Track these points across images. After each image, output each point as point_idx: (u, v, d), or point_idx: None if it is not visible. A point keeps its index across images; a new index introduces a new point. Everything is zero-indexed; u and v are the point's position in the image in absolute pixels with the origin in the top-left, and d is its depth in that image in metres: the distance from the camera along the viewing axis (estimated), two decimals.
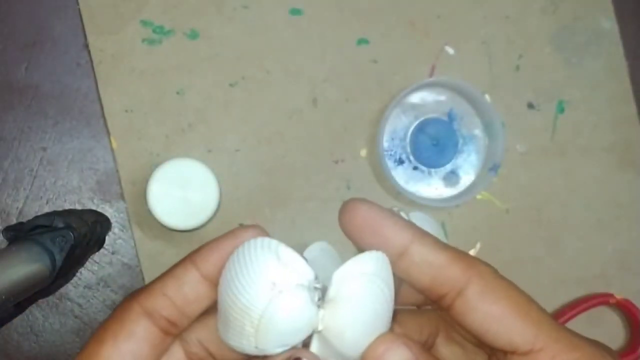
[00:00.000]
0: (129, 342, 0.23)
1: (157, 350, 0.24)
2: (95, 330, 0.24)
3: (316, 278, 0.23)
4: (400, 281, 0.25)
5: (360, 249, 0.25)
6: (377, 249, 0.24)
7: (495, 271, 0.24)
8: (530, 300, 0.24)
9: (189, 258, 0.24)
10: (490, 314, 0.23)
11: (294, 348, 0.23)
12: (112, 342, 0.23)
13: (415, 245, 0.23)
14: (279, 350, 0.23)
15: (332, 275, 0.23)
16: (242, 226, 0.25)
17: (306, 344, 0.24)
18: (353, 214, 0.24)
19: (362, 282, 0.23)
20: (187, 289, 0.24)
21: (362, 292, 0.23)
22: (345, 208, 0.25)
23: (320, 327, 0.23)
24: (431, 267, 0.23)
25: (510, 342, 0.23)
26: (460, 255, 0.24)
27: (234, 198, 0.50)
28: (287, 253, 0.23)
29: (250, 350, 0.23)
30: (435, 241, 0.24)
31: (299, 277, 0.23)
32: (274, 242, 0.23)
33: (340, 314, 0.23)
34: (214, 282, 0.24)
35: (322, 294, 0.23)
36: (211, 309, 0.25)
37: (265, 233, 0.25)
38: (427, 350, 0.26)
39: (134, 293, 0.24)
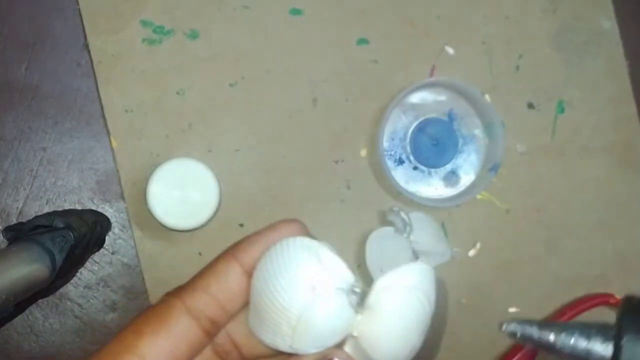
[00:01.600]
0: (167, 339, 0.23)
1: (194, 350, 0.23)
2: (131, 323, 0.23)
3: (356, 281, 0.23)
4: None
5: None
6: None
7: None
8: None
9: (230, 252, 0.24)
10: None
11: (327, 349, 0.23)
12: (152, 337, 0.22)
13: None
14: (313, 351, 0.23)
15: (374, 284, 0.23)
16: (284, 220, 0.24)
17: (339, 345, 0.24)
18: None
19: (402, 293, 0.23)
20: (230, 285, 0.23)
21: (400, 304, 0.23)
22: None
23: (355, 333, 0.23)
24: None
25: None
26: None
27: (234, 198, 0.50)
28: (328, 255, 0.23)
29: (284, 348, 0.23)
30: None
31: (339, 281, 0.23)
32: (314, 243, 0.23)
33: (376, 323, 0.23)
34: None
35: (361, 298, 0.23)
36: None
37: (306, 229, 0.24)
38: None
39: (176, 290, 0.24)
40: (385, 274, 0.23)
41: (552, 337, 0.26)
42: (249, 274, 0.24)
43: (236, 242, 0.24)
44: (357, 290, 0.23)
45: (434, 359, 0.51)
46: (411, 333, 0.23)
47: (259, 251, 0.24)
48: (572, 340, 0.26)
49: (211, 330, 0.24)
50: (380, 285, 0.23)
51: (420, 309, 0.23)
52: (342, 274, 0.23)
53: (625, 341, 0.25)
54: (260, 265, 0.24)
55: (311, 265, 0.23)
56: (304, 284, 0.23)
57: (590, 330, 0.26)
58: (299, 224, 0.24)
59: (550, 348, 0.27)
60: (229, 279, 0.23)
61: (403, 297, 0.23)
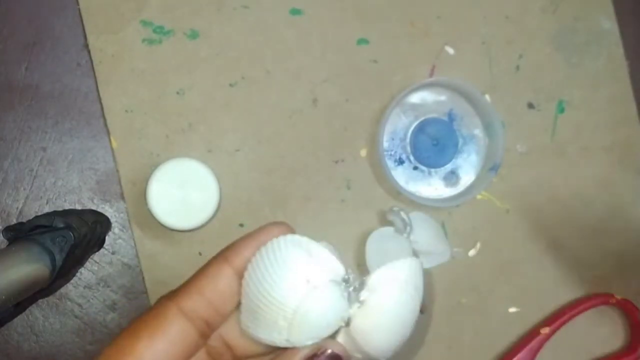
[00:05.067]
0: (164, 342, 0.23)
1: (189, 351, 0.24)
2: (128, 326, 0.24)
3: (347, 273, 0.24)
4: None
5: None
6: None
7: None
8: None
9: (222, 255, 0.24)
10: None
11: (322, 340, 0.24)
12: (148, 340, 0.23)
13: None
14: (309, 342, 0.24)
15: (368, 278, 0.24)
16: (272, 222, 0.25)
17: (332, 336, 0.25)
18: None
19: (395, 288, 0.24)
20: (223, 286, 0.24)
21: (393, 298, 0.24)
22: None
23: (348, 325, 0.24)
24: None
25: None
26: None
27: (234, 198, 0.50)
28: (318, 250, 0.24)
29: (281, 342, 0.24)
30: None
31: (332, 273, 0.24)
32: (304, 239, 0.24)
33: (369, 316, 0.24)
34: None
35: (354, 290, 0.24)
36: None
37: (292, 230, 0.25)
38: None
39: (170, 293, 0.24)
40: (379, 268, 0.24)
41: None
42: (240, 275, 0.24)
43: (228, 245, 0.25)
44: (350, 281, 0.24)
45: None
46: (402, 325, 0.24)
47: (249, 253, 0.24)
48: None
49: (205, 332, 0.24)
50: (374, 279, 0.24)
51: (410, 302, 0.24)
52: (333, 266, 0.24)
53: None
54: (252, 264, 0.24)
55: (303, 260, 0.23)
56: (298, 277, 0.23)
57: None
58: (287, 226, 0.25)
59: None
60: (221, 281, 0.24)
61: (396, 291, 0.24)
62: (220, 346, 0.26)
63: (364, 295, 0.24)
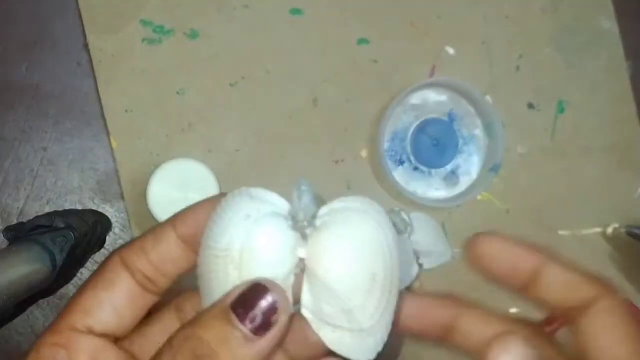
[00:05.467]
0: (107, 292, 0.24)
1: (137, 304, 0.24)
2: (80, 286, 0.24)
3: (293, 209, 0.22)
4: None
5: (491, 281, 0.26)
6: (510, 277, 0.25)
7: (625, 302, 0.24)
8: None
9: (170, 220, 0.25)
10: (609, 352, 0.22)
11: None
12: (92, 292, 0.24)
13: (548, 267, 0.24)
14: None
15: (319, 210, 0.22)
16: (221, 193, 0.25)
17: (290, 279, 0.22)
18: (483, 251, 0.26)
19: (351, 214, 0.23)
20: (163, 248, 0.24)
21: (350, 222, 0.22)
22: (473, 245, 0.26)
23: (303, 255, 0.22)
24: (565, 287, 0.24)
25: None
26: (592, 278, 0.24)
27: None
28: (259, 191, 0.23)
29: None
30: (566, 262, 0.24)
31: (274, 207, 0.22)
32: (244, 188, 0.23)
33: (325, 241, 0.21)
34: (190, 245, 0.24)
35: (307, 223, 0.22)
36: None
37: None
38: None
39: (119, 247, 0.25)
40: (331, 202, 0.23)
41: None
42: (185, 241, 0.24)
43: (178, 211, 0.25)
44: (300, 218, 0.22)
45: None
46: (367, 257, 0.22)
47: (194, 219, 0.24)
48: None
49: (149, 287, 0.24)
50: (327, 209, 0.23)
51: (373, 233, 0.22)
52: (275, 202, 0.22)
53: None
54: (202, 237, 0.23)
55: (244, 203, 0.22)
56: (238, 218, 0.22)
57: None
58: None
59: None
60: (163, 242, 0.24)
61: (352, 217, 0.22)
62: (192, 313, 0.26)
63: (318, 223, 0.22)
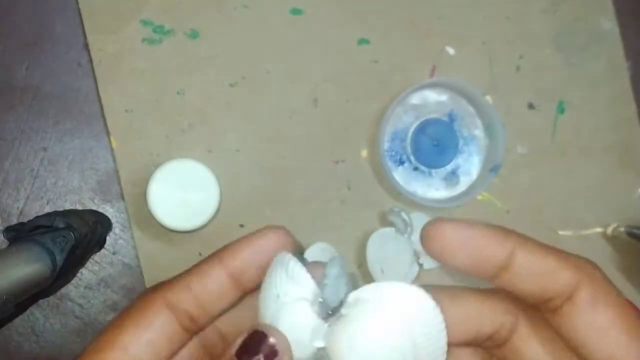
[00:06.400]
0: (147, 332, 0.23)
1: (173, 344, 0.24)
2: (115, 318, 0.24)
3: (320, 292, 0.23)
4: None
5: (453, 271, 0.24)
6: (476, 267, 0.23)
7: (603, 274, 0.23)
8: (638, 312, 0.22)
9: (216, 254, 0.24)
10: (597, 324, 0.21)
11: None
12: (133, 330, 0.23)
13: (518, 255, 0.22)
14: None
15: (347, 297, 0.23)
16: (269, 226, 0.25)
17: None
18: (444, 238, 0.23)
19: (375, 310, 0.22)
20: (211, 285, 0.24)
21: (371, 318, 0.22)
22: (431, 232, 0.23)
23: (322, 344, 0.22)
24: (538, 276, 0.22)
25: (611, 357, 0.21)
26: (566, 257, 0.22)
27: (234, 198, 0.50)
28: (295, 268, 0.23)
29: None
30: (538, 246, 0.22)
31: (302, 291, 0.23)
32: (287, 257, 0.23)
33: (342, 332, 0.22)
34: (239, 281, 0.24)
35: (332, 310, 0.23)
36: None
37: (292, 236, 0.25)
38: (499, 346, 0.25)
39: (157, 285, 0.24)
40: (362, 288, 0.22)
41: None
42: (232, 277, 0.24)
43: (224, 245, 0.25)
44: (320, 300, 0.22)
45: None
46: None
47: (243, 256, 0.24)
48: None
49: (190, 327, 0.24)
50: (354, 296, 0.22)
51: (393, 339, 0.21)
52: (305, 284, 0.23)
53: None
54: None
55: (278, 278, 0.23)
56: (271, 295, 0.23)
57: None
58: (285, 231, 0.25)
59: None
60: (211, 280, 0.24)
61: (374, 316, 0.22)
62: (213, 336, 0.26)
63: (343, 311, 0.22)
